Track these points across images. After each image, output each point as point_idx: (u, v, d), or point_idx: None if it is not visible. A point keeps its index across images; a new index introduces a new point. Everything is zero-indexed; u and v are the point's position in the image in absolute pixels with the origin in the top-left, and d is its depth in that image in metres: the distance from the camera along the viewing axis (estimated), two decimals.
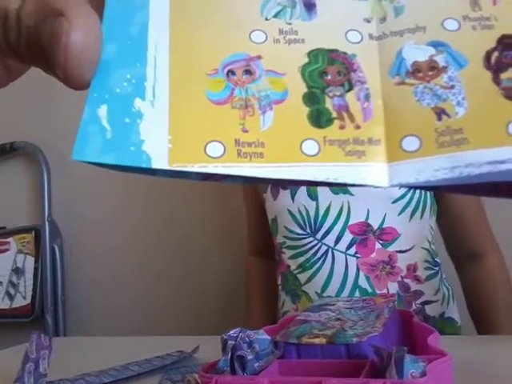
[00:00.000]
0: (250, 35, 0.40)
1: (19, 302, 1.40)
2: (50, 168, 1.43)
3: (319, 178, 0.35)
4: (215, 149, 0.35)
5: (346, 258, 0.77)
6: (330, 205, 0.78)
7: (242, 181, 0.38)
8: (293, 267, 0.82)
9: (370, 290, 0.76)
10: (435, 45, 0.37)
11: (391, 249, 0.77)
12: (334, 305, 0.53)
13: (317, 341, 0.40)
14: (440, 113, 0.35)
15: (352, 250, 0.77)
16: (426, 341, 0.40)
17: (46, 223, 1.40)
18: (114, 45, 0.39)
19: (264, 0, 0.41)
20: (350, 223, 0.77)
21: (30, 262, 1.41)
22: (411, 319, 0.50)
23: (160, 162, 0.35)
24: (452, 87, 0.36)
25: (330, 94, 0.37)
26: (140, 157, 0.35)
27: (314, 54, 0.39)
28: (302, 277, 0.81)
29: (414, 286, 0.77)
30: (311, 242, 0.80)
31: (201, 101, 0.37)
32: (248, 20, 0.41)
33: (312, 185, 0.37)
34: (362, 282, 0.76)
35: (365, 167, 0.35)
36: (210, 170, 0.35)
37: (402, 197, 0.76)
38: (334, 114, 0.36)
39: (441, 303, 0.79)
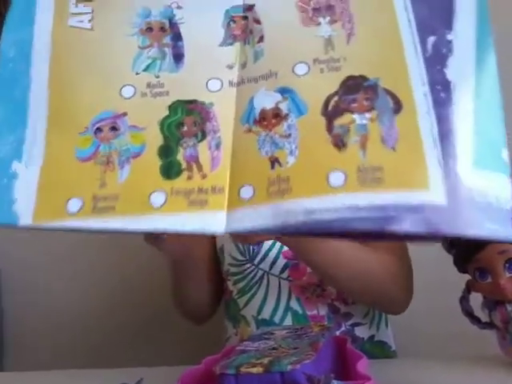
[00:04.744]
0: (120, 90, 0.41)
1: None
2: None
3: (160, 229, 0.37)
4: (74, 204, 0.38)
5: (279, 281, 0.80)
6: None
7: (99, 232, 0.40)
8: (234, 292, 0.84)
9: (300, 312, 0.78)
10: (282, 91, 0.38)
11: None
12: (273, 334, 0.56)
13: (254, 370, 0.42)
14: (274, 161, 0.36)
15: (285, 274, 0.79)
16: (356, 366, 0.44)
17: None
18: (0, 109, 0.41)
19: (136, 54, 0.43)
20: (284, 249, 0.80)
21: None
22: (345, 345, 0.53)
23: (25, 219, 0.38)
24: (289, 136, 0.36)
25: (184, 145, 0.38)
26: (9, 215, 0.38)
27: (174, 107, 0.40)
28: (241, 301, 0.83)
29: (343, 308, 0.79)
30: (250, 267, 0.83)
31: (69, 159, 0.40)
32: (120, 76, 0.42)
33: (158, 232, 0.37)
34: (294, 304, 0.79)
35: (205, 215, 0.36)
36: (67, 226, 0.38)
37: None
38: (184, 165, 0.37)
39: (369, 326, 0.81)
